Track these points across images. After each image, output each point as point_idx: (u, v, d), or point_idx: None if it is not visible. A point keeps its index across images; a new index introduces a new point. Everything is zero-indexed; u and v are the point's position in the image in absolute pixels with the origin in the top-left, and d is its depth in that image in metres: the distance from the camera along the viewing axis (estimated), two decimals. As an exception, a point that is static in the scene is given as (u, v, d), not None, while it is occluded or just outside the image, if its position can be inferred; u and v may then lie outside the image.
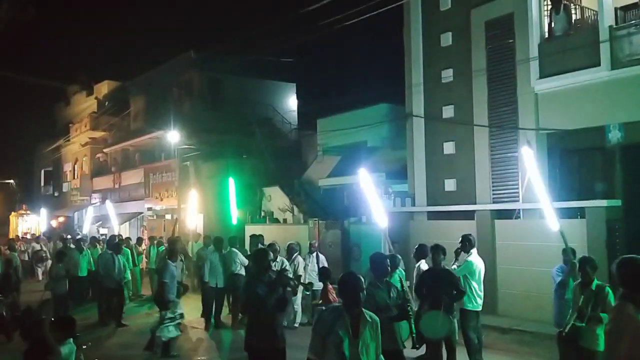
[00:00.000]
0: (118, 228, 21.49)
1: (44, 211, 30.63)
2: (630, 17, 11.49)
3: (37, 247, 21.35)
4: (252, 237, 13.85)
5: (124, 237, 19.24)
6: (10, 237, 27.64)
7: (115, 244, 13.59)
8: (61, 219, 33.41)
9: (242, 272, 12.13)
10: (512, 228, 12.23)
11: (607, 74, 11.00)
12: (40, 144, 40.15)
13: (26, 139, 42.01)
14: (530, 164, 9.05)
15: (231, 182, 15.86)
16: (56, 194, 38.11)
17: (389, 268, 6.41)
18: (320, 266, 11.97)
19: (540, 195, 8.77)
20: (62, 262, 12.05)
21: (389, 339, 5.75)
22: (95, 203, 31.82)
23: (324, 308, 4.53)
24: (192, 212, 18.14)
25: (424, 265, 9.01)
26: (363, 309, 4.27)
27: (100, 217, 27.90)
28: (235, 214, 15.97)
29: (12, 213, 33.88)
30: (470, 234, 8.77)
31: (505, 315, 11.65)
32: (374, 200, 10.87)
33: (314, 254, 12.66)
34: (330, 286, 10.34)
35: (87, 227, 22.88)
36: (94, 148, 34.30)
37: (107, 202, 20.85)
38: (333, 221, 17.05)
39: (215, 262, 12.16)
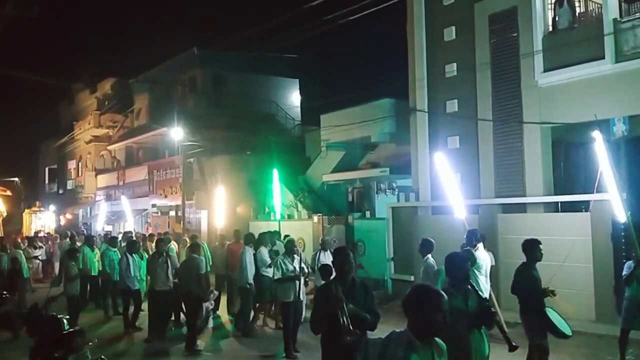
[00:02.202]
0: (133, 223, 21.30)
1: (52, 208, 30.70)
2: (634, 10, 11.44)
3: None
4: (266, 234, 12.53)
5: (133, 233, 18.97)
6: (26, 234, 27.46)
7: (132, 242, 12.67)
8: (69, 216, 33.54)
9: (269, 272, 10.98)
10: (516, 222, 12.22)
11: (611, 66, 10.96)
12: (44, 142, 40.31)
13: (30, 137, 42.17)
14: (602, 153, 8.46)
15: (275, 174, 14.94)
16: (61, 192, 38.27)
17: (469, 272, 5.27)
18: (322, 263, 10.88)
19: (610, 186, 8.45)
20: (75, 260, 11.89)
21: (461, 355, 4.68)
22: (100, 200, 31.91)
23: (384, 336, 3.46)
24: (219, 210, 16.75)
25: (431, 260, 8.82)
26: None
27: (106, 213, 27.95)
28: (279, 208, 15.08)
29: (26, 210, 33.85)
30: (476, 229, 8.75)
31: (509, 309, 11.61)
32: (452, 187, 9.87)
33: (328, 252, 11.59)
34: None
35: (101, 223, 22.84)
36: (98, 145, 34.44)
37: (122, 197, 20.71)
38: (337, 217, 17.08)
39: (248, 261, 11.01)
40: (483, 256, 8.36)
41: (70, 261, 11.55)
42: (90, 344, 7.05)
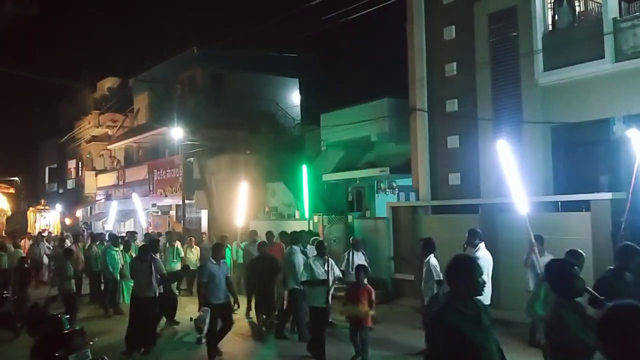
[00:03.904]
0: (145, 221, 21.02)
1: (59, 208, 30.67)
2: (634, 9, 11.44)
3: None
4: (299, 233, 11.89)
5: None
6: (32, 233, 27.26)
7: (152, 242, 12.06)
8: (78, 214, 33.51)
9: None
10: (516, 222, 12.20)
11: (611, 66, 10.97)
12: (44, 141, 40.31)
13: (30, 136, 42.19)
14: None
15: (304, 170, 14.44)
16: (61, 191, 38.29)
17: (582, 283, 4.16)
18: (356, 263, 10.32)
19: None
20: (70, 260, 11.99)
21: None
22: (100, 200, 31.90)
23: None
24: (241, 209, 15.82)
25: (433, 260, 8.68)
26: None
27: (105, 214, 27.96)
28: (307, 206, 14.74)
29: (30, 209, 33.84)
30: (477, 228, 8.73)
31: (510, 309, 11.64)
32: (514, 179, 8.92)
33: (360, 253, 11.41)
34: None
35: (112, 222, 22.82)
36: (97, 145, 34.44)
37: (134, 195, 20.61)
38: (337, 216, 17.07)
39: (299, 263, 10.11)
40: (485, 256, 8.33)
41: (65, 261, 11.69)
42: (91, 343, 7.05)
